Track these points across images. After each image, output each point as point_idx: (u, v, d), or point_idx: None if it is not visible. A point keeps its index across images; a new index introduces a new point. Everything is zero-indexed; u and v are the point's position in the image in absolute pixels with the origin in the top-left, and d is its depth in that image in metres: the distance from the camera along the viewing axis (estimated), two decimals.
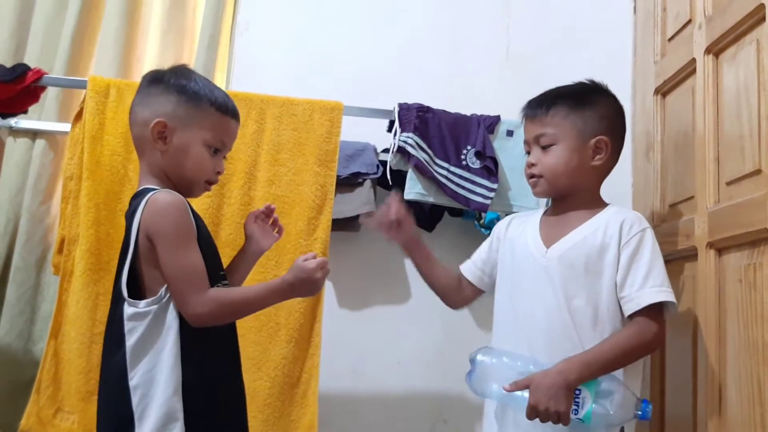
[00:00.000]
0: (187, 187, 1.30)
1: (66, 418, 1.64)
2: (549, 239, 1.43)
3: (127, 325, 1.21)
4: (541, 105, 1.45)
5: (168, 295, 1.21)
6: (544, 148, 1.43)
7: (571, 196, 1.45)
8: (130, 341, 1.21)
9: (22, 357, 1.95)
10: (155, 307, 1.21)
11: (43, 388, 1.65)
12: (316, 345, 1.77)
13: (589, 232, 1.39)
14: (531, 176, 1.46)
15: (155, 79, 1.32)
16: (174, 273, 1.20)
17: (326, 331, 1.80)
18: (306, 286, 1.24)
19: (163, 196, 1.23)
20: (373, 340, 2.06)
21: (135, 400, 1.19)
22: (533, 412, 1.27)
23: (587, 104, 1.43)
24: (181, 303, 1.20)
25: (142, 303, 1.21)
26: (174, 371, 1.19)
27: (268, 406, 1.70)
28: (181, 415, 1.19)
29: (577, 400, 1.27)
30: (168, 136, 1.27)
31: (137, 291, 1.23)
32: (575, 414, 1.27)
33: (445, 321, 2.09)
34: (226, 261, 1.40)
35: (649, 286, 1.33)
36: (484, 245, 1.59)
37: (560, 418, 1.26)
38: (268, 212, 1.45)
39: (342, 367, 2.00)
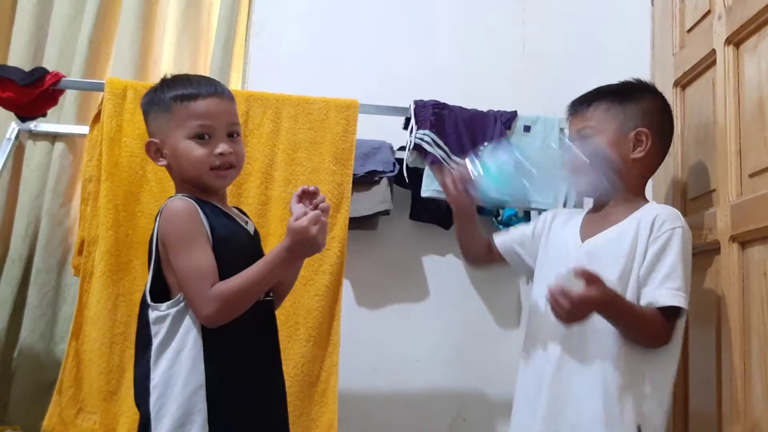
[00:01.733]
0: (200, 185, 1.30)
1: (88, 418, 1.66)
2: (587, 234, 1.43)
3: (153, 329, 1.24)
4: (584, 101, 1.47)
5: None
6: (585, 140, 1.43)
7: (614, 191, 1.43)
8: (154, 344, 1.23)
9: (44, 358, 1.97)
10: (174, 309, 1.22)
11: (65, 388, 1.66)
12: (334, 343, 1.77)
13: (624, 229, 1.38)
14: None
15: (141, 106, 1.36)
16: (181, 277, 1.21)
17: (345, 329, 1.80)
18: (305, 246, 1.21)
19: (172, 203, 1.26)
20: (391, 338, 2.05)
21: (152, 399, 1.20)
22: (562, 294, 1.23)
23: (629, 99, 1.44)
24: (192, 307, 1.21)
25: (163, 306, 1.23)
26: (193, 372, 1.20)
27: (288, 405, 1.69)
28: (201, 415, 1.19)
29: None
30: (161, 151, 1.30)
31: (165, 295, 1.25)
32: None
33: (463, 318, 2.08)
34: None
35: (667, 287, 1.31)
36: (528, 228, 1.58)
37: (563, 318, 1.24)
38: (311, 194, 1.33)
39: (361, 365, 1.99)
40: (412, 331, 2.09)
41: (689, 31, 1.83)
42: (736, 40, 1.54)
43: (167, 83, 1.33)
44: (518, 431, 1.42)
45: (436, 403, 2.06)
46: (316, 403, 1.74)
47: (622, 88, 1.48)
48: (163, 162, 1.31)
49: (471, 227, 1.59)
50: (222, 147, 1.27)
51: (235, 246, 1.28)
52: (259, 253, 1.32)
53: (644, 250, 1.35)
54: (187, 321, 1.22)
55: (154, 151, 1.31)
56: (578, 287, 1.23)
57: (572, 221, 1.49)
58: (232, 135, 1.31)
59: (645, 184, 1.48)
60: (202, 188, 1.30)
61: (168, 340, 1.22)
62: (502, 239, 1.60)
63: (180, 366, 1.20)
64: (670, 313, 1.32)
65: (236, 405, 1.23)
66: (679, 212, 1.41)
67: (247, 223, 1.39)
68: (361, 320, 2.05)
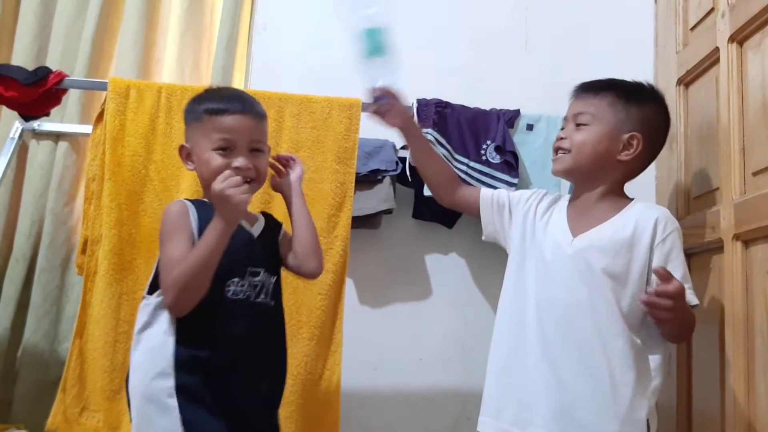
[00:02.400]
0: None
1: (92, 416, 1.66)
2: (576, 229, 1.42)
3: (137, 317, 1.31)
4: (592, 87, 1.47)
5: None
6: (579, 126, 1.44)
7: (590, 185, 1.44)
8: (135, 330, 1.30)
9: (48, 357, 1.98)
10: (156, 300, 1.28)
11: (69, 387, 1.66)
12: (337, 342, 1.77)
13: (619, 226, 1.38)
14: (557, 150, 1.47)
15: (184, 113, 1.43)
16: (161, 268, 1.27)
17: (347, 328, 1.80)
18: (225, 207, 1.23)
19: (168, 205, 1.35)
20: (394, 336, 2.05)
21: (129, 382, 1.29)
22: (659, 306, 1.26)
23: (636, 101, 1.44)
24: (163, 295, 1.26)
25: (151, 297, 1.29)
26: (161, 354, 1.24)
27: (291, 404, 1.70)
28: (164, 396, 1.21)
29: None
30: (191, 156, 1.38)
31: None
32: None
33: (466, 317, 2.08)
34: None
35: (687, 288, 1.33)
36: (507, 196, 1.57)
37: (668, 317, 1.27)
38: (277, 164, 1.50)
39: (364, 364, 1.99)
40: (415, 330, 2.09)
41: (692, 28, 1.82)
42: (740, 37, 1.54)
43: (205, 95, 1.41)
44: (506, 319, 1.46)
45: (439, 402, 2.06)
46: (320, 402, 1.74)
47: (633, 88, 1.47)
48: (191, 166, 1.38)
49: (424, 144, 1.60)
50: (239, 161, 1.32)
51: (230, 252, 1.27)
52: (259, 255, 1.34)
53: (648, 250, 1.35)
54: (164, 312, 1.27)
55: (185, 155, 1.39)
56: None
57: (556, 213, 1.48)
58: (255, 150, 1.36)
59: (623, 186, 1.47)
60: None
61: (145, 326, 1.28)
62: (487, 192, 1.59)
63: (151, 350, 1.25)
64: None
65: (202, 396, 1.24)
66: (669, 211, 1.44)
67: (254, 225, 1.39)
68: (364, 319, 2.05)
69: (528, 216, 1.51)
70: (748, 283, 1.43)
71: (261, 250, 1.38)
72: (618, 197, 1.45)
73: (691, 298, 1.34)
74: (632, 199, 1.45)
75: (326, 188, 1.82)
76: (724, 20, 1.58)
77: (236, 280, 1.30)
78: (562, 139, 1.46)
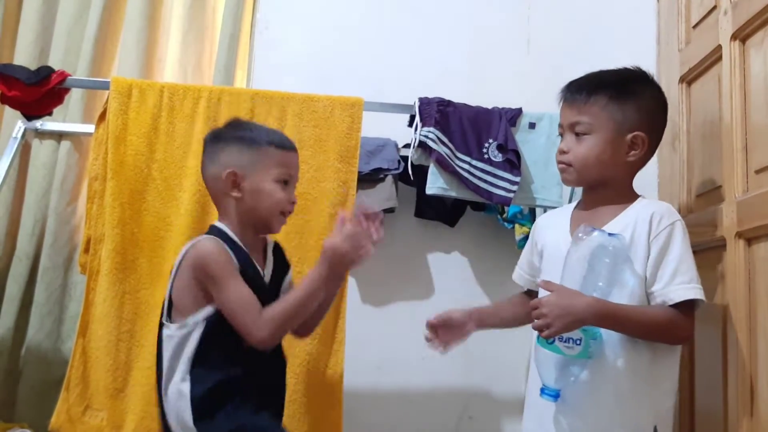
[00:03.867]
0: (264, 224, 1.41)
1: (95, 415, 1.66)
2: None
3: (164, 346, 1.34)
4: (581, 90, 1.39)
5: (197, 323, 1.31)
6: (578, 135, 1.38)
7: (602, 189, 1.40)
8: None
9: (51, 356, 1.98)
10: (184, 330, 1.31)
11: (72, 386, 1.67)
12: (340, 341, 1.77)
13: (621, 227, 1.34)
14: (560, 163, 1.41)
15: (215, 137, 1.45)
16: (230, 309, 1.30)
17: (350, 327, 1.80)
18: (342, 265, 1.31)
19: (207, 243, 1.34)
20: (397, 335, 2.05)
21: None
22: (535, 307, 1.26)
23: (629, 95, 1.37)
24: (244, 333, 1.29)
25: (173, 327, 1.33)
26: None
27: (294, 403, 1.70)
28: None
29: (576, 338, 1.24)
30: (240, 183, 1.38)
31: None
32: (562, 341, 1.25)
33: None
34: None
35: (677, 282, 1.29)
36: (527, 250, 1.57)
37: (545, 332, 1.24)
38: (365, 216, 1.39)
39: (366, 363, 1.99)
40: (417, 329, 2.07)
41: (695, 26, 1.82)
42: (742, 35, 1.53)
43: (258, 127, 1.47)
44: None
45: (442, 401, 2.06)
46: (322, 401, 1.75)
47: (622, 81, 1.40)
48: (237, 194, 1.38)
49: (494, 319, 1.61)
50: (293, 197, 1.42)
51: (254, 282, 1.33)
52: (269, 301, 1.33)
53: (646, 248, 1.31)
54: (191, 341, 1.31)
55: (231, 181, 1.38)
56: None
57: (559, 222, 1.46)
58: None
59: (633, 179, 1.43)
60: (260, 228, 1.41)
61: (175, 355, 1.32)
62: (518, 276, 1.58)
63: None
64: (687, 305, 1.29)
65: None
66: (672, 206, 1.38)
67: (265, 264, 1.42)
68: (367, 318, 2.05)
69: (536, 249, 1.51)
70: (751, 282, 1.43)
71: (270, 295, 1.37)
72: (624, 196, 1.40)
73: (683, 294, 1.28)
74: (638, 197, 1.41)
75: (328, 187, 1.82)
76: (727, 18, 1.58)
77: None
78: (563, 152, 1.40)
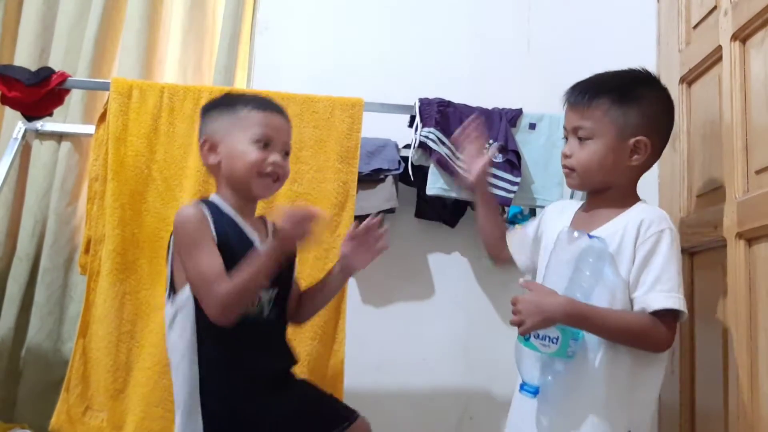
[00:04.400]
0: (245, 188, 1.37)
1: (95, 416, 1.66)
2: None
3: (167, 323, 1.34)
4: (584, 94, 1.37)
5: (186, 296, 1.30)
6: (581, 140, 1.37)
7: (605, 192, 1.39)
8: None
9: (51, 357, 1.98)
10: (176, 307, 1.32)
11: (73, 386, 1.67)
12: (340, 342, 1.77)
13: (611, 231, 1.33)
14: (564, 167, 1.41)
15: (202, 111, 1.46)
16: (190, 281, 1.29)
17: (350, 327, 1.80)
18: (287, 244, 1.27)
19: (183, 209, 1.33)
20: (397, 336, 2.05)
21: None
22: (514, 304, 1.29)
23: (631, 100, 1.35)
24: (203, 309, 1.27)
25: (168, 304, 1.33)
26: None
27: None
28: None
29: (552, 336, 1.26)
30: (216, 148, 1.37)
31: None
32: (538, 338, 1.26)
33: (469, 316, 2.08)
34: None
35: (657, 290, 1.27)
36: (530, 228, 1.55)
37: (519, 328, 1.27)
38: (369, 228, 1.45)
39: (367, 363, 1.99)
40: (418, 330, 2.09)
41: (695, 27, 1.82)
42: (743, 35, 1.53)
43: (237, 95, 1.46)
44: None
45: (442, 401, 2.06)
46: None
47: (625, 84, 1.38)
48: (215, 159, 1.37)
49: (495, 212, 1.58)
50: (275, 157, 1.36)
51: (236, 258, 1.28)
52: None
53: (632, 254, 1.30)
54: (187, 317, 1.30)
55: (208, 147, 1.38)
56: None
57: (563, 217, 1.45)
58: (285, 153, 1.40)
59: (637, 182, 1.42)
60: (243, 193, 1.38)
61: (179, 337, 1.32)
62: (515, 238, 1.56)
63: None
64: (668, 315, 1.28)
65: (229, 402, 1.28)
66: (665, 213, 1.36)
67: (262, 236, 1.39)
68: (367, 318, 2.05)
69: (540, 228, 1.50)
70: (752, 282, 1.43)
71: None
72: (625, 198, 1.39)
73: (662, 302, 1.26)
74: (638, 201, 1.39)
75: (329, 188, 1.82)
76: (727, 18, 1.58)
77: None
78: (567, 157, 1.39)
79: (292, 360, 1.42)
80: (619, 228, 1.33)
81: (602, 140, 1.35)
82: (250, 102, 1.39)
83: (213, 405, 1.28)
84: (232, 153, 1.35)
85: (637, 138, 1.34)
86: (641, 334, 1.28)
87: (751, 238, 1.45)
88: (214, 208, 1.34)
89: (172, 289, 1.33)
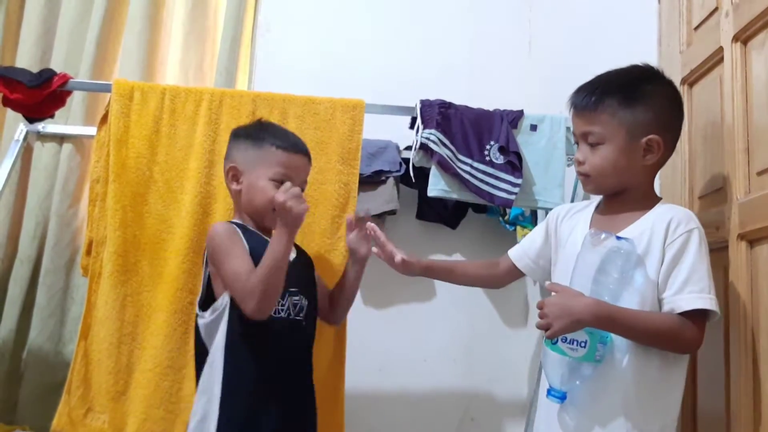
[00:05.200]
0: (259, 218, 1.49)
1: (97, 417, 1.66)
2: None
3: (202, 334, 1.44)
4: (589, 98, 1.36)
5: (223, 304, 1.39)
6: (592, 145, 1.35)
7: (623, 194, 1.38)
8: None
9: (53, 358, 1.99)
10: (214, 315, 1.40)
11: (74, 388, 1.67)
12: (342, 343, 1.77)
13: (638, 232, 1.32)
14: (579, 174, 1.39)
15: (233, 134, 1.57)
16: (227, 284, 1.38)
17: (352, 329, 1.80)
18: (287, 217, 1.36)
19: (215, 226, 1.46)
20: (398, 337, 2.06)
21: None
22: (540, 308, 1.27)
23: (638, 98, 1.34)
24: (241, 306, 1.36)
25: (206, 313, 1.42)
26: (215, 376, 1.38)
27: None
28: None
29: (580, 340, 1.24)
30: (239, 177, 1.49)
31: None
32: (565, 342, 1.25)
33: (470, 318, 2.08)
34: None
35: (687, 291, 1.27)
36: (538, 235, 1.54)
37: (546, 331, 1.25)
38: (358, 223, 1.57)
39: (368, 365, 2.00)
40: (419, 331, 2.09)
41: (696, 28, 1.82)
42: (744, 37, 1.53)
43: (268, 126, 1.57)
44: None
45: (443, 402, 2.06)
46: (324, 403, 1.74)
47: (630, 83, 1.37)
48: (237, 187, 1.50)
49: (444, 271, 1.61)
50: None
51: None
52: (294, 278, 1.44)
53: (660, 254, 1.29)
54: (221, 326, 1.39)
55: (231, 175, 1.51)
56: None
57: (580, 222, 1.44)
58: (301, 190, 1.49)
59: (654, 180, 1.42)
60: (258, 221, 1.50)
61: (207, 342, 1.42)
62: (518, 255, 1.56)
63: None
64: (698, 315, 1.27)
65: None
66: (693, 213, 1.36)
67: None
68: (369, 320, 2.05)
69: (552, 240, 1.49)
70: (753, 283, 1.43)
71: (296, 274, 1.47)
72: (645, 199, 1.38)
73: (692, 303, 1.26)
74: (658, 201, 1.38)
75: (330, 189, 1.82)
76: (728, 20, 1.58)
77: (292, 290, 1.44)
78: (581, 163, 1.38)
79: (310, 371, 1.51)
80: (646, 228, 1.32)
81: (613, 143, 1.34)
82: (277, 139, 1.50)
83: (230, 412, 1.33)
84: (253, 186, 1.47)
85: (649, 137, 1.33)
86: (671, 336, 1.27)
87: (752, 240, 1.44)
88: (241, 226, 1.47)
89: (210, 299, 1.42)
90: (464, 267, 1.64)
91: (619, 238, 1.28)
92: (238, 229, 1.44)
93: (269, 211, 1.44)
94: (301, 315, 1.47)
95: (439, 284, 2.10)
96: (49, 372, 1.96)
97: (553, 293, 1.28)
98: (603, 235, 1.28)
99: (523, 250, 1.56)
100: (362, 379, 1.96)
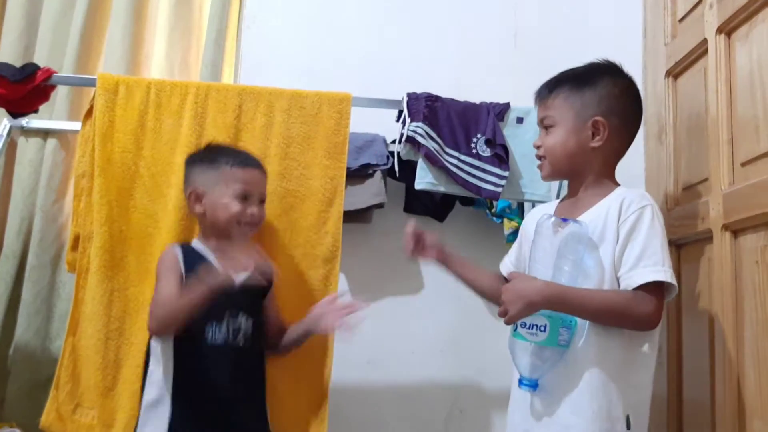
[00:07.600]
0: (226, 235, 1.56)
1: (85, 413, 1.66)
2: None
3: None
4: (546, 87, 1.47)
5: None
6: (547, 129, 1.44)
7: (579, 179, 1.43)
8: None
9: (40, 355, 1.97)
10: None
11: (62, 384, 1.66)
12: (329, 335, 1.77)
13: (594, 216, 1.36)
14: (537, 158, 1.48)
15: (187, 162, 1.64)
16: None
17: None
18: (215, 279, 1.41)
19: (166, 248, 1.58)
20: (386, 330, 2.06)
21: None
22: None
23: (588, 85, 1.42)
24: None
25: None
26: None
27: (279, 396, 1.70)
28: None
29: (539, 324, 1.27)
30: (201, 199, 1.57)
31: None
32: (524, 327, 1.28)
33: (458, 310, 2.08)
34: None
35: (641, 266, 1.28)
36: (516, 243, 1.59)
37: (505, 318, 1.30)
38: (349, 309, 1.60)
39: (356, 358, 2.00)
40: (407, 323, 2.09)
41: (681, 20, 1.83)
42: (728, 29, 1.54)
43: (219, 147, 1.65)
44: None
45: (431, 394, 2.07)
46: (309, 395, 1.74)
47: (584, 72, 1.45)
48: (200, 209, 1.57)
49: (462, 267, 1.62)
50: (252, 209, 1.57)
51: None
52: (238, 298, 1.49)
53: (615, 234, 1.32)
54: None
55: (194, 198, 1.58)
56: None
57: (548, 210, 1.48)
58: (261, 201, 1.61)
59: (613, 170, 1.45)
60: (225, 237, 1.56)
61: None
62: (507, 267, 1.59)
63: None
64: (655, 289, 1.28)
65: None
66: (647, 193, 1.39)
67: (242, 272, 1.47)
68: (356, 312, 2.05)
69: (523, 234, 1.53)
70: (738, 273, 1.44)
71: (242, 296, 1.50)
72: (603, 185, 1.41)
73: (646, 276, 1.27)
74: (617, 187, 1.42)
75: (317, 184, 1.81)
76: (712, 12, 1.59)
77: (215, 323, 1.50)
78: (537, 147, 1.47)
79: (262, 391, 1.57)
80: (602, 212, 1.36)
81: (563, 125, 1.42)
82: (231, 158, 1.58)
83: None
84: (216, 205, 1.55)
85: (594, 119, 1.39)
86: (624, 311, 1.28)
87: (736, 230, 1.46)
88: (188, 250, 1.57)
89: None
90: (483, 274, 1.64)
91: (571, 221, 1.32)
92: (179, 255, 1.54)
93: (234, 225, 1.54)
94: (239, 337, 1.52)
95: (427, 277, 2.11)
96: (36, 368, 1.95)
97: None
98: (554, 220, 1.33)
99: (509, 260, 1.60)
100: (350, 372, 1.96)
